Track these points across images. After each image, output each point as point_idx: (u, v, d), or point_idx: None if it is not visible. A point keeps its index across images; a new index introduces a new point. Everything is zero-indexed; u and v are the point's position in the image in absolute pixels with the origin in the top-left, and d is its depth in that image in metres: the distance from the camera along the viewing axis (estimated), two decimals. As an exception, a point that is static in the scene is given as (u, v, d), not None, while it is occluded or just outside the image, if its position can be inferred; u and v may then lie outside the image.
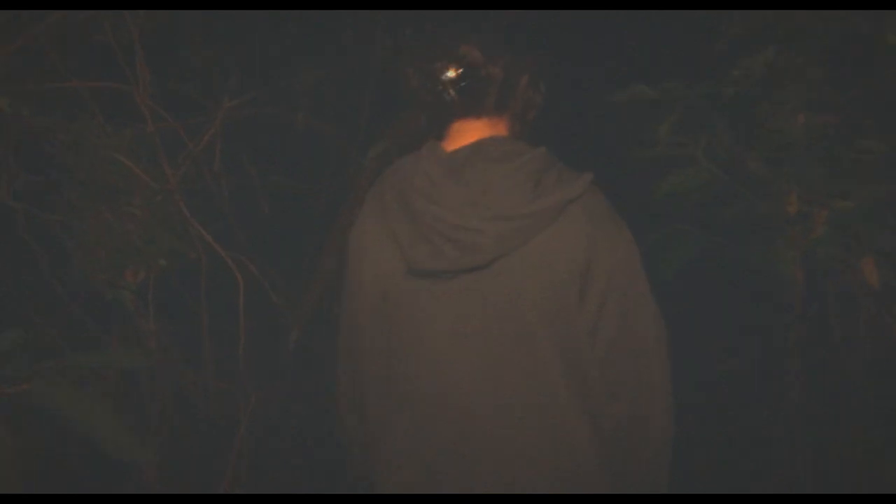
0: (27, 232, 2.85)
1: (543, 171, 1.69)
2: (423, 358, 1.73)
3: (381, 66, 3.35)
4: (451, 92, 1.72)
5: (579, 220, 1.68)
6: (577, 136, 2.92)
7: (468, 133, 1.75)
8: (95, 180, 2.73)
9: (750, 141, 2.58)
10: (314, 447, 3.17)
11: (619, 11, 2.77)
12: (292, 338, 3.01)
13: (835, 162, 2.53)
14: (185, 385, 2.99)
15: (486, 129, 1.75)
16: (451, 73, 1.72)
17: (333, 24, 3.33)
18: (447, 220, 1.66)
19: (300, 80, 3.31)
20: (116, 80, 2.82)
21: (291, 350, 3.04)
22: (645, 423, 1.74)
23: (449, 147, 1.75)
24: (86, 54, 2.91)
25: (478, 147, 1.72)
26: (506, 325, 1.69)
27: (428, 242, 1.68)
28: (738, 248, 2.66)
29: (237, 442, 2.78)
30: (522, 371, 1.70)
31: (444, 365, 1.72)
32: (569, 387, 1.69)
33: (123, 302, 2.85)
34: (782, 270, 2.62)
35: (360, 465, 1.91)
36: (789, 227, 2.60)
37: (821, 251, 2.54)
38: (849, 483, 2.66)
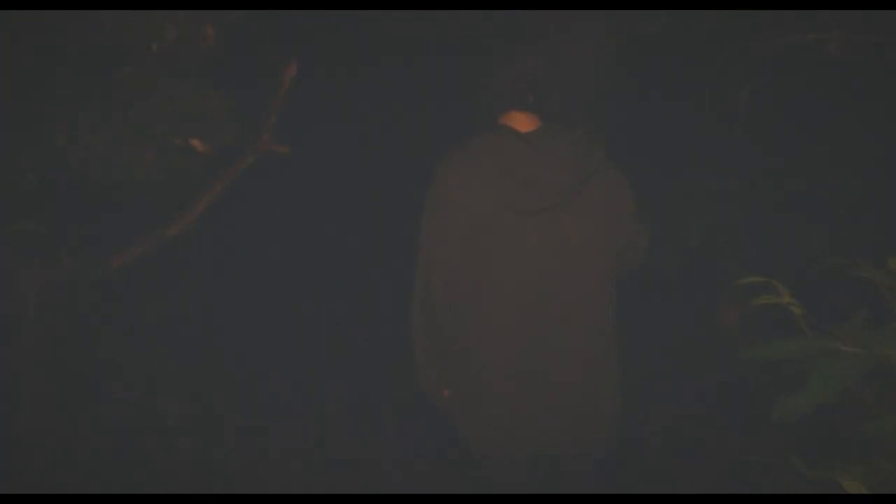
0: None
1: (587, 141, 2.42)
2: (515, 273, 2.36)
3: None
4: (531, 96, 2.44)
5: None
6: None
7: (519, 121, 2.45)
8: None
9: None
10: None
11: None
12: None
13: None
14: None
15: (529, 118, 2.45)
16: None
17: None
18: (537, 174, 2.34)
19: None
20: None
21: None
22: None
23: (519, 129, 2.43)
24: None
25: (545, 129, 2.44)
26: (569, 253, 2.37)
27: (521, 188, 2.34)
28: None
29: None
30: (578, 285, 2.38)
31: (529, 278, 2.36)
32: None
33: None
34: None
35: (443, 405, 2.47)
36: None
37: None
38: None
